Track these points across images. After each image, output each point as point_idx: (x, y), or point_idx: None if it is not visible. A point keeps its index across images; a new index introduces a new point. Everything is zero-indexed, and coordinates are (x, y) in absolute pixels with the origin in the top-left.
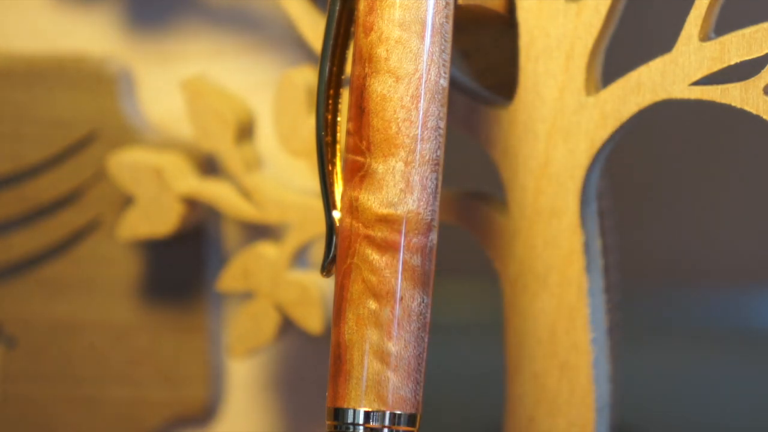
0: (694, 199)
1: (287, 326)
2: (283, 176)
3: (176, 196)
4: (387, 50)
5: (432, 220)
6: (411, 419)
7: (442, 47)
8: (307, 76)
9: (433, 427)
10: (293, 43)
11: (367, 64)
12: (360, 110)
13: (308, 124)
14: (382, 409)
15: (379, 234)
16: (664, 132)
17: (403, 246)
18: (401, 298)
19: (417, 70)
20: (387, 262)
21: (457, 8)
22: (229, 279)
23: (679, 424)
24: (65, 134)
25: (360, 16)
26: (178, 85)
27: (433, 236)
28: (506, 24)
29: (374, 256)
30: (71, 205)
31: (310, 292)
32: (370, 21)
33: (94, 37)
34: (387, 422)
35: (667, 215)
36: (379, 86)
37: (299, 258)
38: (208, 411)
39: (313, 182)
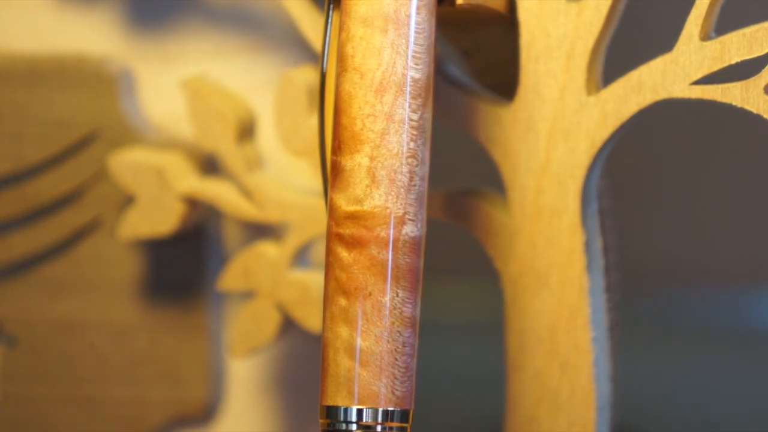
0: (694, 199)
1: (288, 326)
2: (283, 176)
3: (177, 195)
4: (353, 47)
5: (405, 213)
6: (396, 415)
7: (411, 38)
8: (308, 76)
9: (433, 426)
10: (294, 43)
11: (339, 64)
12: (336, 110)
13: (309, 124)
14: (350, 404)
15: (347, 231)
16: (664, 132)
17: (370, 241)
18: (370, 294)
19: (380, 65)
20: (354, 258)
21: (445, 1)
22: (230, 278)
23: (679, 424)
24: (66, 134)
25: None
26: (179, 84)
27: (410, 229)
28: (507, 23)
29: (343, 254)
30: (72, 205)
31: (310, 292)
32: (343, 21)
33: (95, 37)
34: (380, 419)
35: (667, 215)
36: (347, 84)
37: (300, 257)
38: (208, 411)
39: (314, 182)
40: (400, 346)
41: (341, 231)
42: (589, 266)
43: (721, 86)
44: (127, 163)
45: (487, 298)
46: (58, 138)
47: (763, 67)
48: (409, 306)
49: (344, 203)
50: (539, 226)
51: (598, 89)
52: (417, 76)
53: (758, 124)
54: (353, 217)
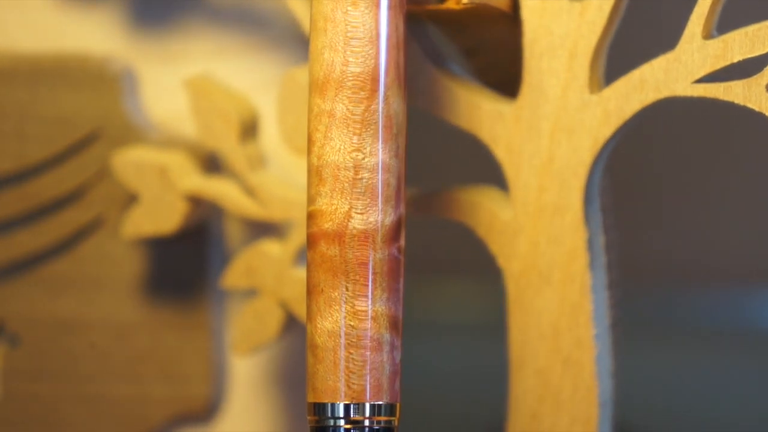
0: (694, 199)
1: (291, 323)
2: (286, 174)
3: (180, 194)
4: (310, 54)
5: (351, 207)
6: (361, 409)
7: (348, 33)
8: None
9: (433, 426)
10: (297, 42)
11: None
12: None
13: None
14: (312, 400)
15: (308, 231)
16: (665, 130)
17: (320, 238)
18: (322, 290)
19: (322, 66)
20: (311, 257)
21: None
22: (233, 276)
23: (679, 422)
24: (68, 133)
25: None
26: (182, 83)
27: (357, 223)
28: (510, 22)
29: (308, 253)
30: (74, 204)
31: None
32: None
33: (98, 37)
34: (368, 414)
35: (667, 215)
36: (308, 91)
37: (303, 255)
38: (210, 408)
39: None
40: (354, 340)
41: (307, 232)
42: (592, 263)
43: (723, 84)
44: (130, 162)
45: (487, 298)
46: (61, 137)
47: (765, 65)
48: (363, 300)
49: (307, 205)
50: (542, 224)
51: (600, 87)
52: (357, 70)
53: (760, 122)
54: (310, 217)
